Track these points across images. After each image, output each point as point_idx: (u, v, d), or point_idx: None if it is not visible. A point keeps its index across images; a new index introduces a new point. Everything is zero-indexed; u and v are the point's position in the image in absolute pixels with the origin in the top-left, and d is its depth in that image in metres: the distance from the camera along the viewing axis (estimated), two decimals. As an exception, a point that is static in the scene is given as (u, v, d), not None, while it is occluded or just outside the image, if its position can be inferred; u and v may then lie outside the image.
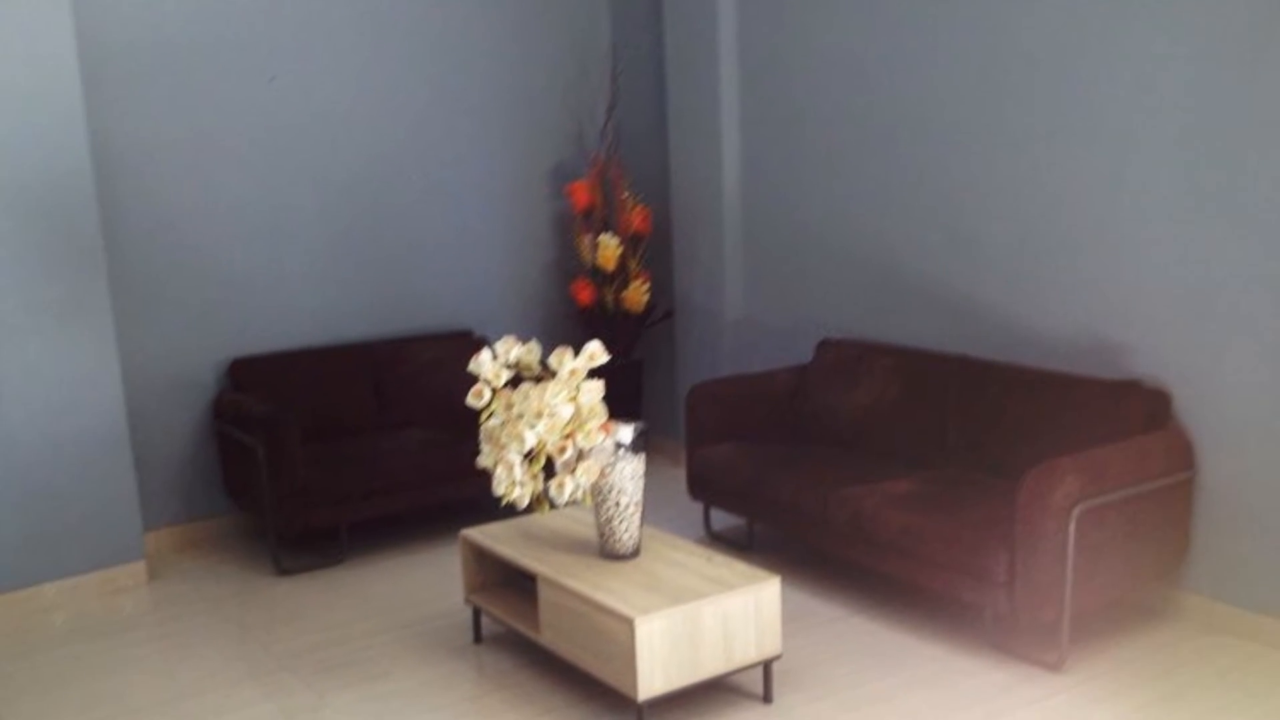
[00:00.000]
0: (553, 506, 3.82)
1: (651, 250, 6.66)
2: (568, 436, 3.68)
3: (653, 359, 6.98)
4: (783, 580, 3.88)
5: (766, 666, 3.88)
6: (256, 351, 5.86)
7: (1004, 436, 4.65)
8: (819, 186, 5.81)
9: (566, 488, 3.69)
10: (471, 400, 3.77)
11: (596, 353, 3.76)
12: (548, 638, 3.99)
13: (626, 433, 3.89)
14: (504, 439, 3.68)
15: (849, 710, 3.83)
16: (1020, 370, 4.71)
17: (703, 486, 5.38)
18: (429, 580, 5.14)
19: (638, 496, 3.96)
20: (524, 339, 3.88)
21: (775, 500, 4.90)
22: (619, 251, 6.49)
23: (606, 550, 4.03)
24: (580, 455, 3.71)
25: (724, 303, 6.35)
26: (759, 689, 3.92)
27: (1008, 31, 4.77)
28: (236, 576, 5.32)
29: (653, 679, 3.57)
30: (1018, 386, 4.66)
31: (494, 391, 3.76)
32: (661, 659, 3.57)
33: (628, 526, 3.98)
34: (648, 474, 4.06)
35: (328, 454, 5.42)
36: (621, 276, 6.56)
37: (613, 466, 3.88)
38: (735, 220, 6.28)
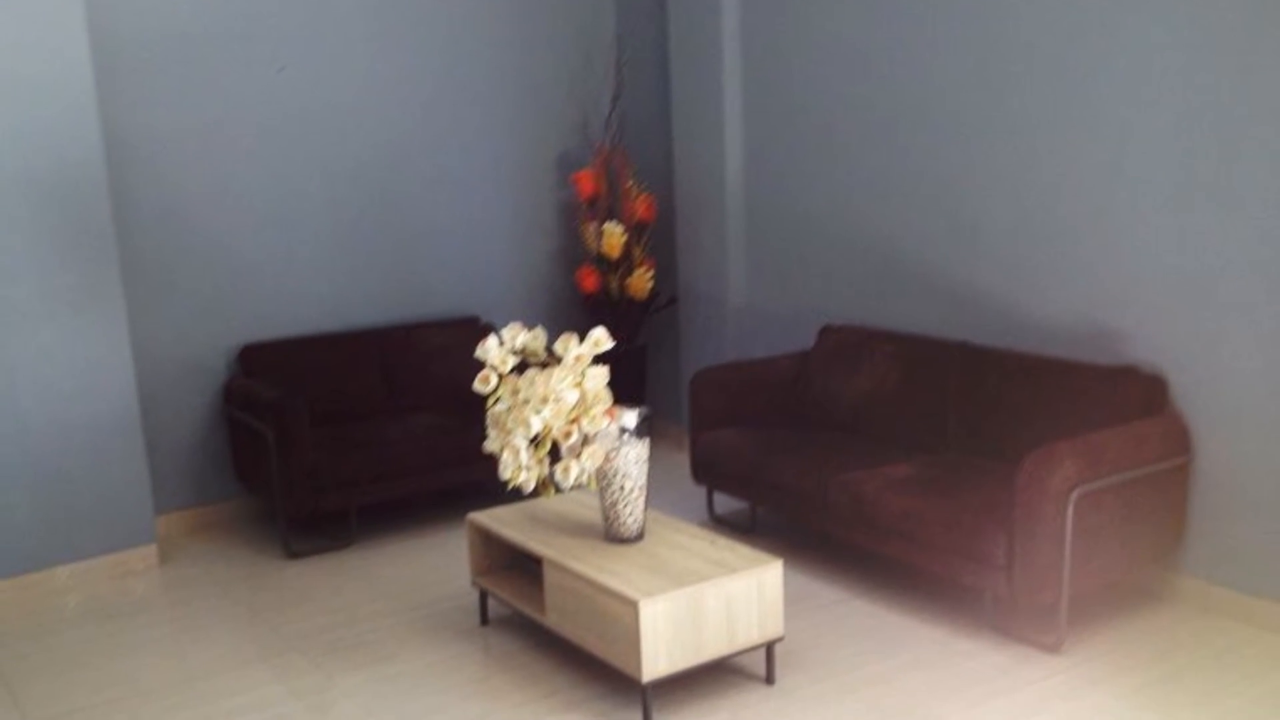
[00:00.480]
0: (558, 490, 3.83)
1: (655, 238, 6.69)
2: (573, 421, 3.69)
3: (657, 345, 7.02)
4: (785, 563, 3.91)
5: (769, 648, 3.91)
6: (266, 337, 5.90)
7: (1003, 421, 4.68)
8: (820, 175, 5.84)
9: (572, 472, 3.70)
10: (478, 386, 3.79)
11: (601, 339, 3.77)
12: (553, 620, 4.02)
13: (631, 418, 3.91)
14: (510, 424, 3.70)
15: (850, 691, 3.87)
16: (1019, 356, 4.74)
17: (706, 471, 5.42)
18: (436, 563, 5.19)
19: (642, 481, 3.99)
20: (530, 325, 3.90)
21: (777, 484, 4.95)
22: (623, 239, 6.52)
23: (611, 534, 4.06)
24: (585, 440, 3.73)
25: (727, 289, 6.39)
26: (762, 670, 3.96)
27: (1007, 22, 4.80)
28: (246, 560, 5.37)
29: (657, 660, 3.60)
30: (1017, 372, 4.69)
31: (500, 377, 3.78)
32: (665, 641, 3.60)
33: (632, 510, 4.01)
34: (652, 458, 4.09)
35: (337, 439, 5.46)
36: (626, 264, 6.59)
37: (617, 451, 3.90)
38: (738, 208, 6.31)
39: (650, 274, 6.59)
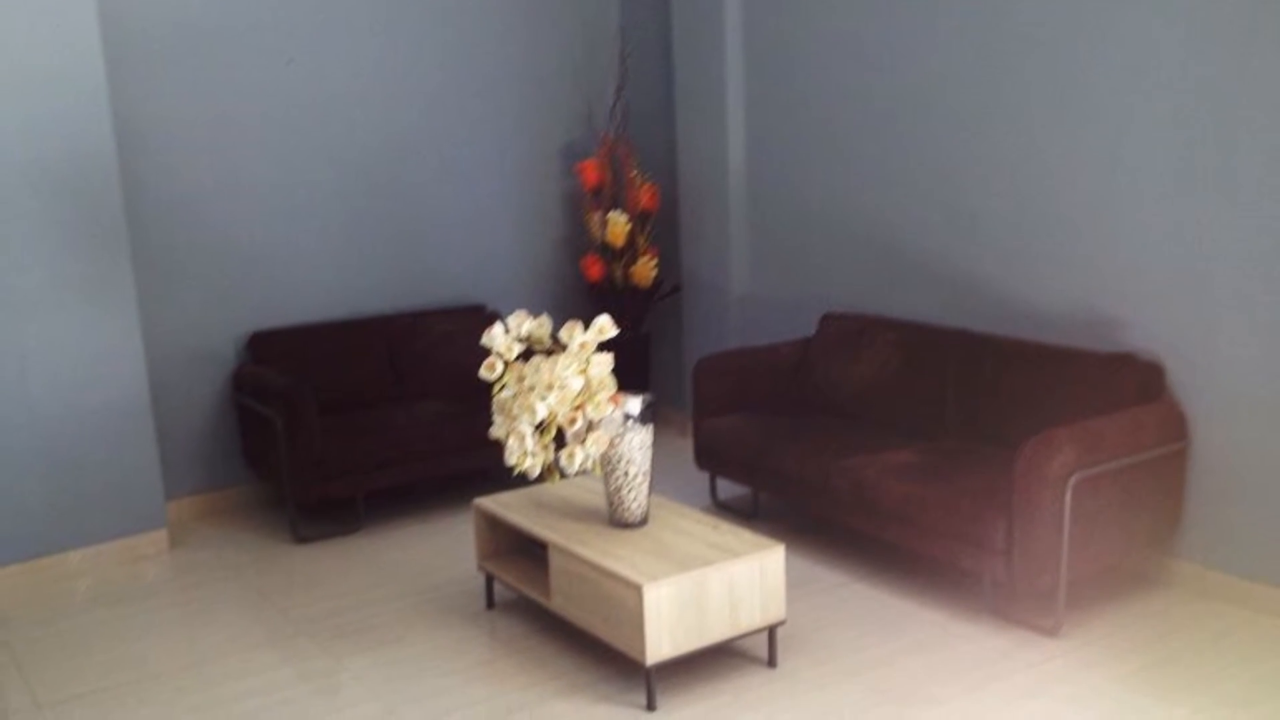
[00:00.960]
0: (563, 476, 3.85)
1: (659, 227, 6.72)
2: (578, 408, 3.71)
3: (660, 333, 7.05)
4: (787, 548, 3.94)
5: (771, 631, 3.94)
6: (275, 325, 5.94)
7: (1002, 408, 4.71)
8: (822, 165, 5.87)
9: (576, 458, 3.71)
10: (484, 373, 3.81)
11: (606, 326, 3.80)
12: (558, 604, 4.05)
13: (635, 404, 3.93)
14: (516, 410, 3.72)
15: (851, 674, 3.90)
16: (1018, 344, 4.77)
17: (709, 457, 5.46)
18: (442, 548, 5.22)
19: (646, 466, 4.01)
20: (535, 313, 3.92)
21: (779, 470, 4.98)
22: (627, 228, 6.55)
23: (615, 519, 4.08)
24: (590, 426, 3.74)
25: (730, 278, 6.42)
26: (764, 653, 3.99)
27: (1006, 14, 4.82)
28: (255, 544, 5.41)
29: (660, 644, 3.63)
30: (1015, 359, 4.72)
31: (506, 364, 3.80)
32: (669, 624, 3.63)
33: (636, 495, 4.03)
34: (655, 444, 4.12)
35: (344, 425, 5.48)
36: (630, 252, 6.62)
37: (621, 437, 3.92)
38: (740, 197, 6.34)
39: (654, 262, 6.62)
